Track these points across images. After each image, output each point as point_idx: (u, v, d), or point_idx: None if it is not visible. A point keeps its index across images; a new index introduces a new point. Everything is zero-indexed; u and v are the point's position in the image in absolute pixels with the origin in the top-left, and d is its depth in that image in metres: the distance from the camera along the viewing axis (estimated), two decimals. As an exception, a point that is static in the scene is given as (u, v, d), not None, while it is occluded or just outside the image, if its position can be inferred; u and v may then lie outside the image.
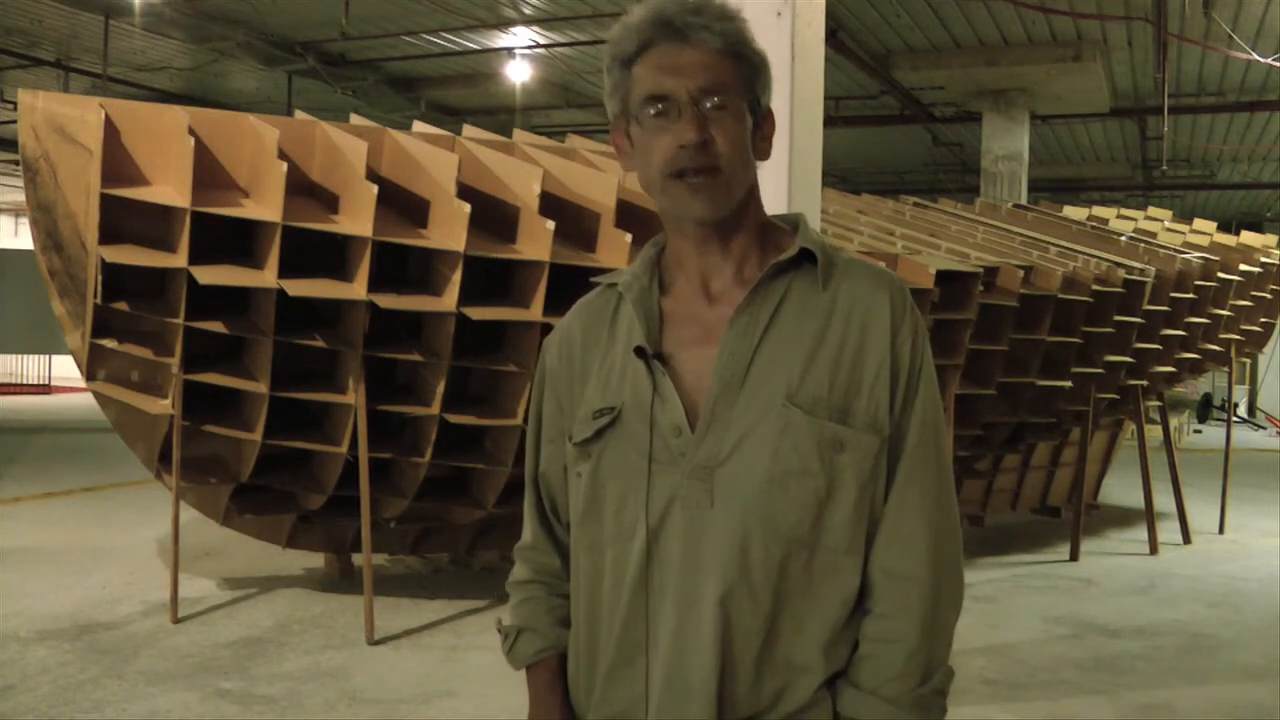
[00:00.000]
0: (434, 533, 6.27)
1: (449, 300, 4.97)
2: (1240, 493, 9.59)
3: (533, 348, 5.06)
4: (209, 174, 5.01)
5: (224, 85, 13.56)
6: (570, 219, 5.21)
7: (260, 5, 10.27)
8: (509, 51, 11.74)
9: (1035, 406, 7.02)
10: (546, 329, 4.98)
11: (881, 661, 1.36)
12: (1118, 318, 6.99)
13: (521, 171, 5.20)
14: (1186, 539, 8.04)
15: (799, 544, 1.34)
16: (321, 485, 5.57)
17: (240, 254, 5.14)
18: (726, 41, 1.36)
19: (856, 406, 1.36)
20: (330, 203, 5.20)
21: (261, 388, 5.09)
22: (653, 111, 1.36)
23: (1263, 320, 9.22)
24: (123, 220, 4.95)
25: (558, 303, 4.96)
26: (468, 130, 6.13)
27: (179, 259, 4.90)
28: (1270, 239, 9.51)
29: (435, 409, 5.14)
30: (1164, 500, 8.09)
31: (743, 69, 1.38)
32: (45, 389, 17.83)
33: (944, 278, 5.76)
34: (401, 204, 5.18)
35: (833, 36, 9.70)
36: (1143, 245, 8.21)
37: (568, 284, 5.01)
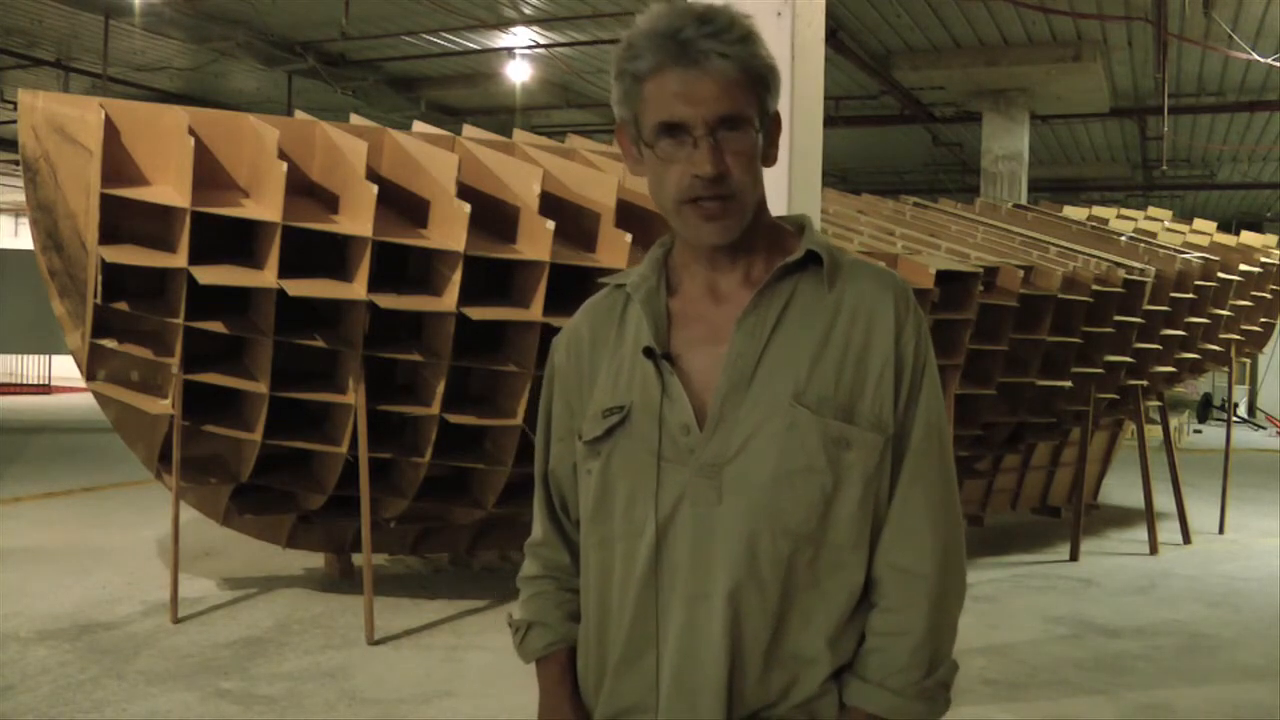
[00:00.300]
0: (434, 533, 6.27)
1: (449, 300, 4.97)
2: (1240, 493, 9.60)
3: (533, 348, 5.05)
4: (209, 174, 5.01)
5: (224, 85, 13.55)
6: (570, 219, 5.21)
7: (260, 5, 10.26)
8: (509, 51, 11.74)
9: (1035, 406, 7.02)
10: (546, 329, 4.98)
11: (888, 654, 1.39)
12: (1118, 318, 6.99)
13: (521, 171, 5.20)
14: (1186, 539, 8.04)
15: (806, 540, 1.37)
16: (321, 485, 5.57)
17: (240, 254, 5.14)
18: (741, 66, 1.35)
19: (861, 405, 1.39)
20: (330, 203, 5.20)
21: (261, 388, 5.09)
22: (667, 138, 1.36)
23: (1263, 320, 9.22)
24: (123, 220, 4.95)
25: (558, 303, 4.96)
26: (468, 130, 6.13)
27: (179, 259, 4.90)
28: (1270, 239, 9.51)
29: (435, 409, 5.14)
30: (1164, 500, 8.10)
31: (757, 89, 1.37)
32: (45, 389, 17.83)
33: (944, 278, 5.76)
34: (401, 204, 5.18)
35: (833, 36, 9.71)
36: (1143, 245, 8.21)
37: (568, 284, 5.02)
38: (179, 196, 4.88)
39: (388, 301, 4.95)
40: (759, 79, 1.37)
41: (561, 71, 12.37)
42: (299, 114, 5.69)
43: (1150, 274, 7.16)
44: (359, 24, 10.50)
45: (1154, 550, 7.66)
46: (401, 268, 5.30)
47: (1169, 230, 9.13)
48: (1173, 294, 7.44)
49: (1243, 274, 8.37)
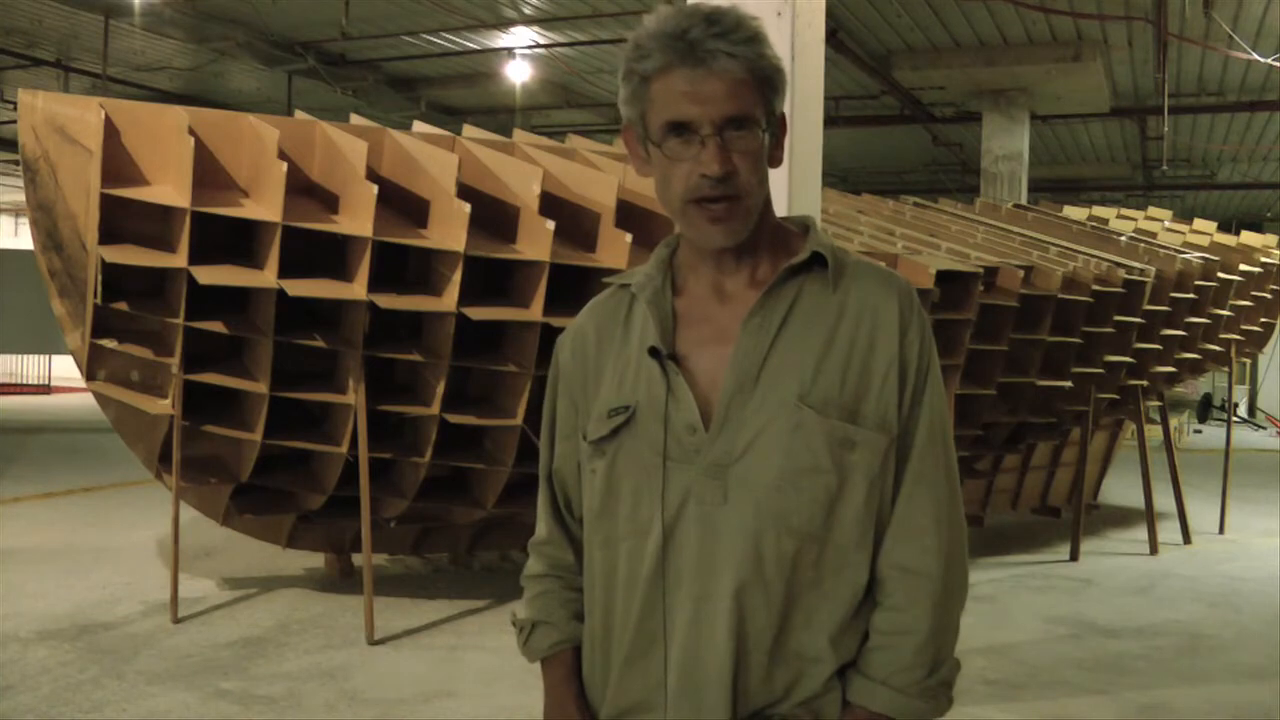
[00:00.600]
0: (434, 533, 6.27)
1: (449, 300, 4.97)
2: (1240, 493, 9.59)
3: (533, 348, 5.05)
4: (209, 174, 5.01)
5: (224, 85, 13.56)
6: (570, 219, 5.21)
7: (260, 5, 10.26)
8: (509, 51, 11.74)
9: (1035, 406, 7.02)
10: (546, 329, 4.98)
11: (892, 653, 1.40)
12: (1118, 318, 6.99)
13: (521, 171, 5.20)
14: (1186, 539, 8.04)
15: (810, 539, 1.38)
16: (321, 485, 5.56)
17: (240, 254, 5.14)
18: (748, 66, 1.35)
19: (866, 406, 1.40)
20: (330, 203, 5.20)
21: (261, 388, 5.09)
22: (674, 138, 1.37)
23: (1263, 320, 9.23)
24: (123, 220, 4.95)
25: (558, 303, 4.96)
26: (468, 130, 6.13)
27: (179, 259, 4.90)
28: (1270, 239, 9.50)
29: (435, 409, 5.14)
30: (1164, 500, 8.09)
31: (764, 90, 1.38)
32: (45, 389, 17.82)
33: (944, 278, 5.76)
34: (401, 204, 5.18)
35: (833, 36, 9.70)
36: (1143, 245, 8.21)
37: (568, 284, 5.02)
38: (179, 196, 4.87)
39: (388, 301, 4.95)
40: (766, 79, 1.38)
41: (561, 71, 12.37)
42: (299, 114, 5.69)
43: (1150, 274, 7.16)
44: (359, 24, 10.50)
45: (1154, 550, 7.66)
46: (401, 268, 5.29)
47: (1169, 230, 9.13)
48: (1173, 294, 7.44)
49: (1243, 274, 8.38)
